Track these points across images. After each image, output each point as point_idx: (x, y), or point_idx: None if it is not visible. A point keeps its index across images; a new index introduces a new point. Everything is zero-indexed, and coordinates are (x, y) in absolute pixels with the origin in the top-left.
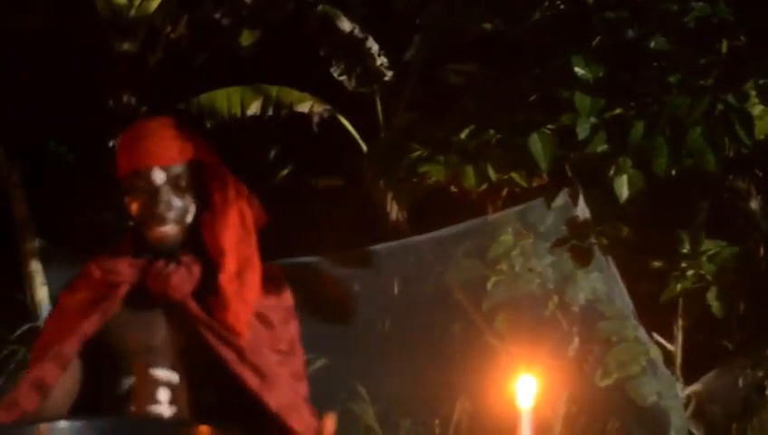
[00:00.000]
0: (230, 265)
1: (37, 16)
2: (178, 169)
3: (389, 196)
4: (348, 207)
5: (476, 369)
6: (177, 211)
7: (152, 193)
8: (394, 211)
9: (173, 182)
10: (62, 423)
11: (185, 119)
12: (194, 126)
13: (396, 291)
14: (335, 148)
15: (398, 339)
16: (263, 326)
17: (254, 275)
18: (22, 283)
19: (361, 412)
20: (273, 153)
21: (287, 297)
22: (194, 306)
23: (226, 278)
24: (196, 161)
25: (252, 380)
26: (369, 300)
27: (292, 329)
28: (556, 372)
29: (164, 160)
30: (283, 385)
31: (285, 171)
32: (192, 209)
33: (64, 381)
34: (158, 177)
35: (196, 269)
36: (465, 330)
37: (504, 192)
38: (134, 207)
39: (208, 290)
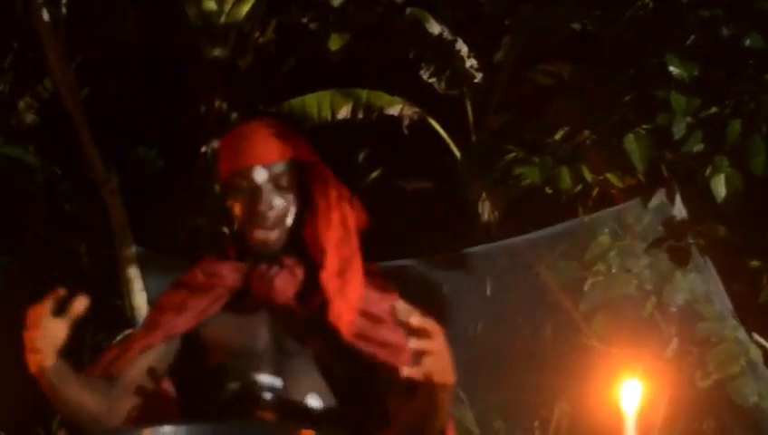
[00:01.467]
0: (332, 264)
1: (128, 24)
2: (280, 167)
3: (481, 198)
4: (437, 209)
5: (574, 371)
6: (278, 211)
7: (254, 192)
8: (485, 213)
9: (274, 181)
10: (167, 428)
11: (285, 119)
12: (295, 126)
13: (490, 293)
14: (425, 150)
15: (492, 341)
16: (372, 324)
17: (357, 275)
18: (120, 289)
19: (460, 416)
20: (362, 156)
21: (393, 293)
22: (298, 309)
23: (328, 277)
24: (297, 161)
25: (379, 351)
26: (463, 302)
27: None
28: (655, 373)
29: (265, 159)
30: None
31: (375, 174)
32: (293, 210)
33: (140, 364)
34: (260, 175)
35: (300, 272)
36: (561, 332)
37: (595, 192)
38: (236, 208)
39: (312, 292)
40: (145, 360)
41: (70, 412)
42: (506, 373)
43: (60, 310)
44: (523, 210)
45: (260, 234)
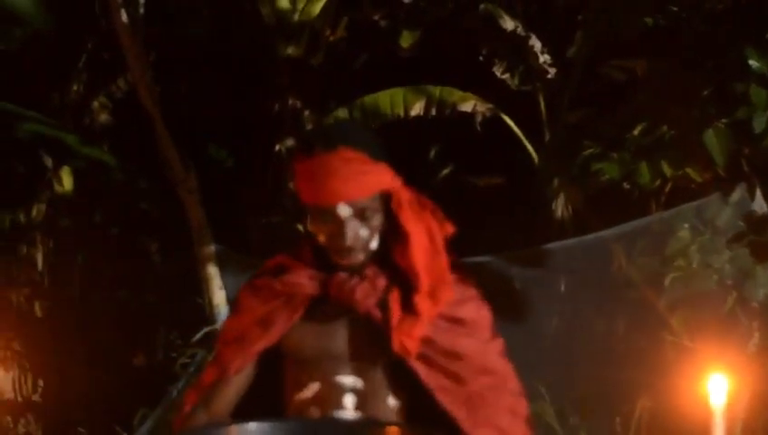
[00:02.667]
0: (424, 284)
1: (203, 23)
2: (364, 202)
3: (555, 193)
4: (509, 205)
5: (656, 366)
6: (364, 240)
7: (338, 225)
8: (559, 209)
9: (359, 214)
10: (253, 425)
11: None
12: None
13: (565, 289)
14: (497, 147)
15: (572, 337)
16: (454, 325)
17: (447, 290)
18: (199, 287)
19: (541, 411)
20: (433, 153)
21: (472, 289)
22: (380, 320)
23: (421, 298)
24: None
25: (451, 404)
26: (539, 298)
27: (485, 316)
28: (737, 368)
29: (349, 197)
30: (485, 405)
31: (446, 171)
32: (377, 236)
33: (229, 388)
34: (344, 211)
35: (381, 282)
36: (642, 327)
37: (668, 188)
38: (320, 236)
39: (395, 302)
40: (238, 382)
41: None
42: (586, 369)
43: None
44: (596, 207)
45: (345, 260)
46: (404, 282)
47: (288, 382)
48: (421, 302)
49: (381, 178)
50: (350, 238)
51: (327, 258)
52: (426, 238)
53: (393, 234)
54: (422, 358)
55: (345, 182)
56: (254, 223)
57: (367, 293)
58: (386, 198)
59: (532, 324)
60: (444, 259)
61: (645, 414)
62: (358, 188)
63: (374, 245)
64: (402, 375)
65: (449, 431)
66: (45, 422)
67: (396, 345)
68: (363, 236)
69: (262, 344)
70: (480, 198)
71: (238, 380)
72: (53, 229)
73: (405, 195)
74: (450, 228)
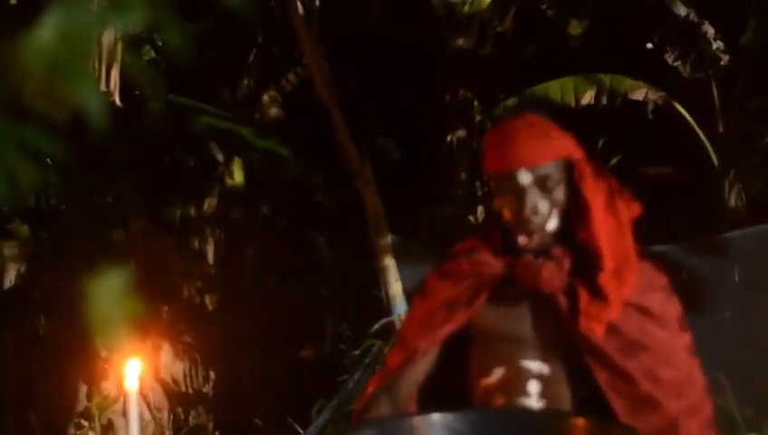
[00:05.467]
0: (609, 264)
1: (374, 17)
2: (545, 169)
3: (728, 182)
4: (680, 195)
5: None
6: (542, 216)
7: (519, 194)
8: (733, 199)
9: (540, 183)
10: (436, 416)
11: (548, 113)
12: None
13: (740, 278)
14: (669, 135)
15: (751, 327)
16: (641, 315)
17: (632, 272)
18: (376, 278)
19: (723, 403)
20: (601, 142)
21: (662, 277)
22: (564, 304)
23: (607, 278)
24: (563, 160)
25: (617, 400)
26: (719, 288)
27: (674, 308)
28: None
29: (530, 161)
30: (665, 396)
31: (615, 160)
32: (557, 213)
33: (415, 371)
34: (525, 178)
35: (567, 262)
36: None
37: None
38: (503, 210)
39: (582, 284)
40: (424, 365)
41: None
42: (766, 360)
43: None
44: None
45: (522, 240)
46: (591, 264)
47: (473, 367)
48: (607, 282)
49: (564, 143)
50: (529, 208)
51: (513, 241)
52: (610, 215)
53: (577, 212)
54: (597, 355)
55: (527, 144)
56: (425, 215)
57: (553, 273)
58: (569, 172)
59: (709, 315)
60: (629, 239)
61: None
62: (539, 152)
63: (552, 224)
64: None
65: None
66: (216, 415)
67: (582, 327)
68: (543, 210)
69: (449, 327)
70: (651, 188)
71: (423, 364)
72: (224, 223)
73: (589, 167)
74: (637, 209)
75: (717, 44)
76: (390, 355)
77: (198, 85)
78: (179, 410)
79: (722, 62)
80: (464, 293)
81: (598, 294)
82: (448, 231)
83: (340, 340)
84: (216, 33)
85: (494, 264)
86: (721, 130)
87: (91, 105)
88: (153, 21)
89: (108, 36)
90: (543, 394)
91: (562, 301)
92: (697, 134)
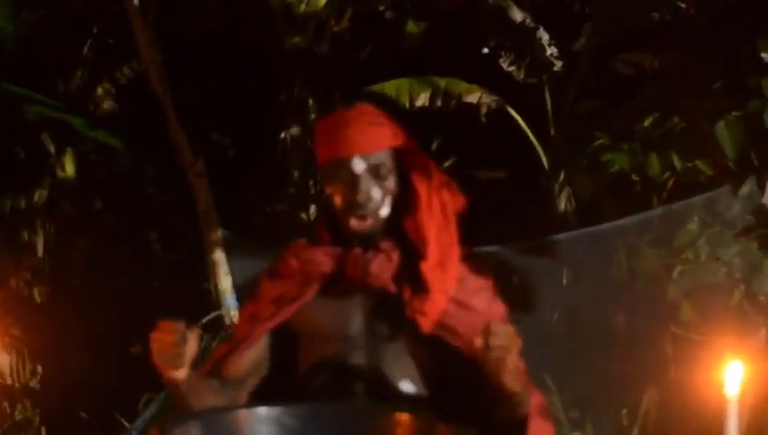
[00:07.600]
0: (433, 254)
1: (210, 16)
2: (378, 157)
3: (558, 185)
4: (511, 198)
5: (662, 359)
6: (376, 203)
7: (353, 181)
8: (563, 202)
9: (374, 171)
10: (262, 409)
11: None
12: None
13: (569, 281)
14: (501, 139)
15: (577, 329)
16: (463, 311)
17: (455, 264)
18: (206, 272)
19: (549, 404)
20: (435, 144)
21: (487, 278)
22: (393, 293)
23: (428, 267)
24: (395, 149)
25: (459, 341)
26: (545, 290)
27: (497, 308)
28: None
29: (364, 149)
30: None
31: (448, 163)
32: (389, 200)
33: (239, 361)
34: (358, 165)
35: (395, 256)
36: (649, 319)
37: (671, 183)
38: (335, 197)
39: (408, 276)
40: (250, 354)
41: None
42: (592, 361)
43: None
44: (600, 201)
45: (355, 223)
46: (416, 255)
47: (302, 365)
48: (429, 271)
49: (396, 133)
50: (362, 194)
51: (342, 231)
52: (438, 207)
53: (404, 201)
54: (427, 348)
55: (361, 131)
56: (259, 211)
57: (382, 266)
58: (400, 163)
59: (536, 316)
60: (454, 232)
61: (652, 407)
62: (372, 140)
63: (385, 211)
64: (417, 359)
65: (468, 419)
66: (43, 408)
67: (409, 319)
68: (376, 196)
69: (275, 320)
70: (482, 191)
71: (249, 354)
72: (55, 215)
73: (419, 158)
74: (462, 202)
75: (551, 50)
76: (217, 349)
77: (31, 74)
78: (5, 403)
79: (555, 68)
80: (291, 289)
81: (421, 286)
82: (281, 228)
83: None
84: (52, 23)
85: (323, 261)
86: (552, 134)
87: None
88: None
89: None
90: (371, 391)
91: (392, 294)
92: (530, 138)
